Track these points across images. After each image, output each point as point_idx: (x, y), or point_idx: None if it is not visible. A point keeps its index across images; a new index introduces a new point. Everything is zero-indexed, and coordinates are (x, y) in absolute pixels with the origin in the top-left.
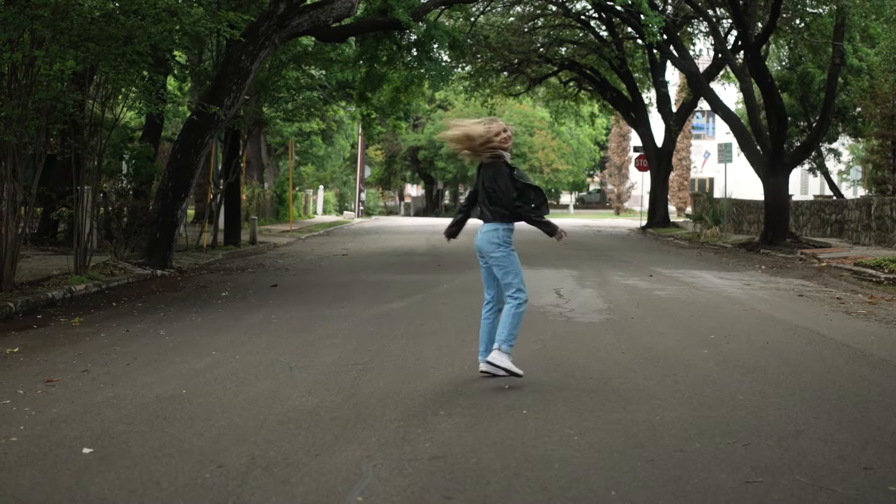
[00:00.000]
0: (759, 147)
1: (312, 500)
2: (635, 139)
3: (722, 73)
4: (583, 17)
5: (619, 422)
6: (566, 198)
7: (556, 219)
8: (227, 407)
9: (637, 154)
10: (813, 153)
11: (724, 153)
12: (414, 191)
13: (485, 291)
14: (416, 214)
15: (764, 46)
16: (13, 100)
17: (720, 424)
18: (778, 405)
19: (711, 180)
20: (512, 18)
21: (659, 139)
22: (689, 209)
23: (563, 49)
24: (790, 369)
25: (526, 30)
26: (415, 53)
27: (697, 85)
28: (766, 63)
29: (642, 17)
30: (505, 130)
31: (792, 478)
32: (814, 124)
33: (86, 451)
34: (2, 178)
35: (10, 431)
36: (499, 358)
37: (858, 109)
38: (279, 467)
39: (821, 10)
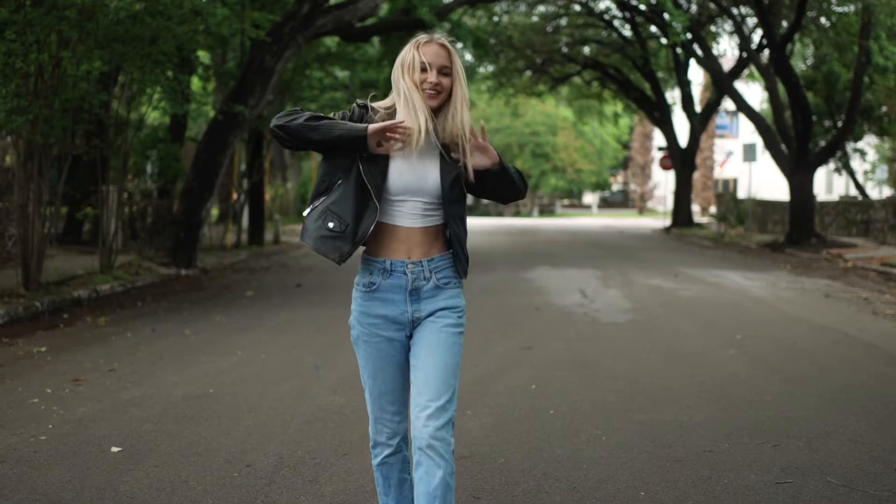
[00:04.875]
0: (784, 146)
1: (341, 499)
2: (658, 138)
3: (747, 72)
4: (606, 16)
5: (647, 422)
6: (589, 198)
7: (580, 219)
8: (253, 406)
9: (661, 153)
10: (838, 152)
11: (749, 153)
12: None
13: (379, 419)
14: None
15: (789, 45)
16: (40, 100)
17: (748, 425)
18: (806, 406)
19: (735, 180)
20: (535, 18)
21: (683, 139)
22: (713, 209)
23: (587, 48)
24: (818, 370)
25: (549, 29)
26: None
27: (722, 84)
28: (791, 62)
29: (666, 16)
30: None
31: (822, 479)
32: (839, 123)
33: (114, 449)
34: (28, 178)
35: (39, 430)
36: None
37: (884, 109)
38: (307, 467)
39: (847, 9)
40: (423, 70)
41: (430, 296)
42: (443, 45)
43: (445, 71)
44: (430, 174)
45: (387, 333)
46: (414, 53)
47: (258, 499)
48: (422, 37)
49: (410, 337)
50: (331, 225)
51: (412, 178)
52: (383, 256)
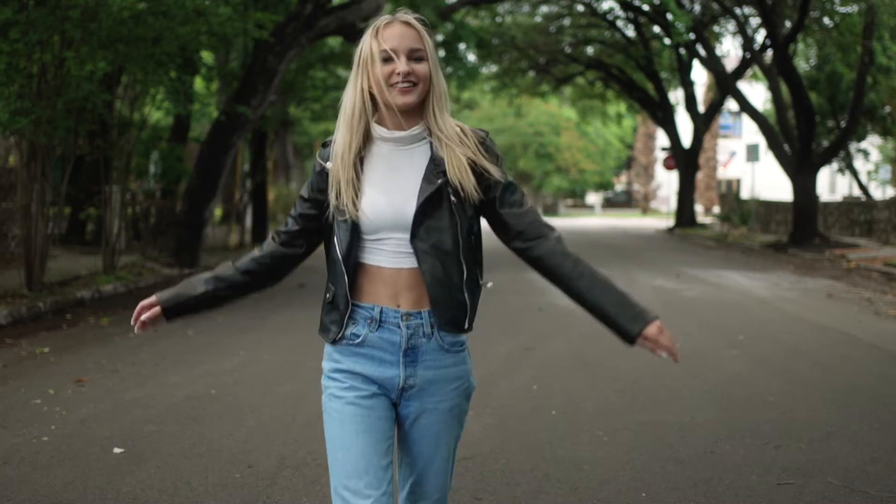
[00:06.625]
0: (787, 147)
1: None
2: (661, 139)
3: (750, 72)
4: (609, 16)
5: (649, 423)
6: (592, 198)
7: (583, 219)
8: (255, 407)
9: (664, 154)
10: (841, 153)
11: (752, 153)
12: None
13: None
14: None
15: (792, 45)
16: (43, 100)
17: (750, 425)
18: (808, 406)
19: (738, 180)
20: (538, 18)
21: (686, 139)
22: (716, 209)
23: (590, 49)
24: (819, 370)
25: (553, 30)
26: (442, 53)
27: (725, 84)
28: (794, 62)
29: (669, 16)
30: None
31: (823, 480)
32: (842, 124)
33: (116, 450)
34: (31, 178)
35: (41, 431)
36: None
37: (887, 109)
38: (308, 467)
39: (850, 9)
40: (387, 60)
41: (431, 360)
42: (408, 24)
43: (418, 55)
44: (409, 202)
45: (368, 391)
46: (370, 43)
47: (260, 499)
48: (381, 19)
49: (396, 405)
50: (327, 296)
51: (387, 210)
52: (370, 301)
